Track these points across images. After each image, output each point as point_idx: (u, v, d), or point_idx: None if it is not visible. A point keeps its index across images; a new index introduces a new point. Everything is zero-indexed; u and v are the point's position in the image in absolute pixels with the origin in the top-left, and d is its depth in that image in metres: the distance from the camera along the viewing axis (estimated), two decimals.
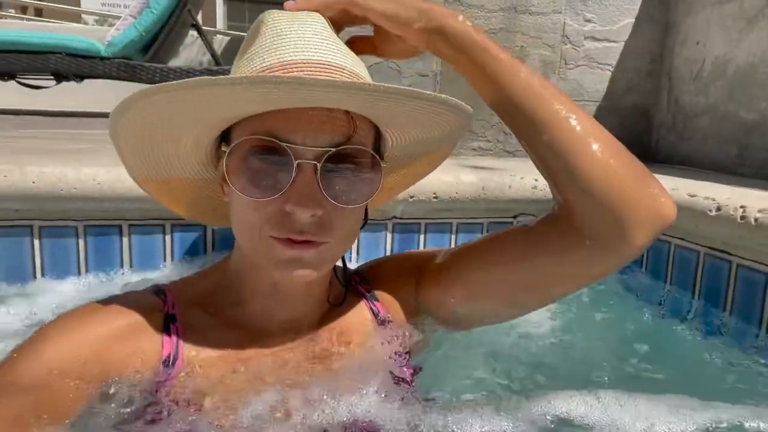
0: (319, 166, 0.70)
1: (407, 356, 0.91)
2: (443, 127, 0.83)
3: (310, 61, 0.72)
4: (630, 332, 1.38)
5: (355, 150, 0.74)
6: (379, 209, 1.43)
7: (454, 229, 1.51)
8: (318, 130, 0.71)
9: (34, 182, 1.20)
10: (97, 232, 1.29)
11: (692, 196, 1.33)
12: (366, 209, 0.86)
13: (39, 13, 9.94)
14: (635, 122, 2.15)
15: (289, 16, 0.77)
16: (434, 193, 1.43)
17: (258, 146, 0.71)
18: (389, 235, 1.47)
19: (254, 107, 0.71)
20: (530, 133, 0.83)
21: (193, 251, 1.36)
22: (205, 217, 0.97)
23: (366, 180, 0.77)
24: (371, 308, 0.93)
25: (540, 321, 1.27)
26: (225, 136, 0.78)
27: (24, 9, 9.55)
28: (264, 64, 0.72)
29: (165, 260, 1.35)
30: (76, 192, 1.22)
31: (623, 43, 2.07)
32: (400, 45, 0.85)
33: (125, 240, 1.31)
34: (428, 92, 0.70)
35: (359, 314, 0.93)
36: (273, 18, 0.77)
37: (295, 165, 0.70)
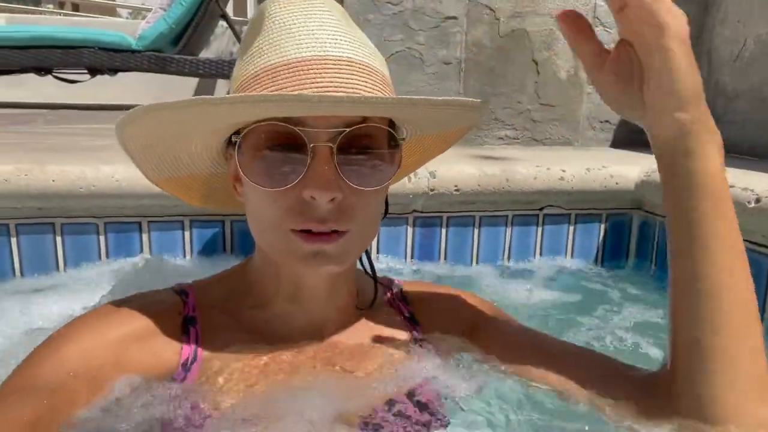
0: (334, 147, 0.67)
1: (437, 382, 0.86)
2: (458, 119, 0.80)
3: (314, 58, 0.68)
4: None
5: (370, 129, 0.70)
6: (399, 203, 1.40)
7: (477, 222, 1.47)
8: (332, 116, 0.68)
9: (54, 181, 1.21)
10: (117, 229, 1.30)
11: (730, 186, 1.25)
12: (387, 200, 0.83)
13: (76, 7, 10.17)
14: None
15: (294, 5, 0.72)
16: (456, 186, 1.39)
17: (270, 134, 0.69)
18: (410, 229, 1.44)
19: (257, 117, 0.69)
20: (691, 292, 0.69)
21: (212, 246, 1.36)
22: (223, 206, 0.94)
23: (384, 161, 0.73)
24: (407, 325, 0.89)
25: None
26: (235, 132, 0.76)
27: (61, 4, 9.79)
28: (268, 63, 0.70)
29: (185, 256, 1.35)
30: (96, 190, 1.22)
31: None
32: (625, 89, 0.66)
33: (145, 236, 1.31)
34: (437, 99, 0.67)
35: (392, 326, 0.88)
36: (275, 9, 0.73)
37: (309, 148, 0.67)
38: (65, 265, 1.29)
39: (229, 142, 0.76)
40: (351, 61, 0.70)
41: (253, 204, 0.74)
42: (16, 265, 1.27)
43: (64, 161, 1.27)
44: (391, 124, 0.76)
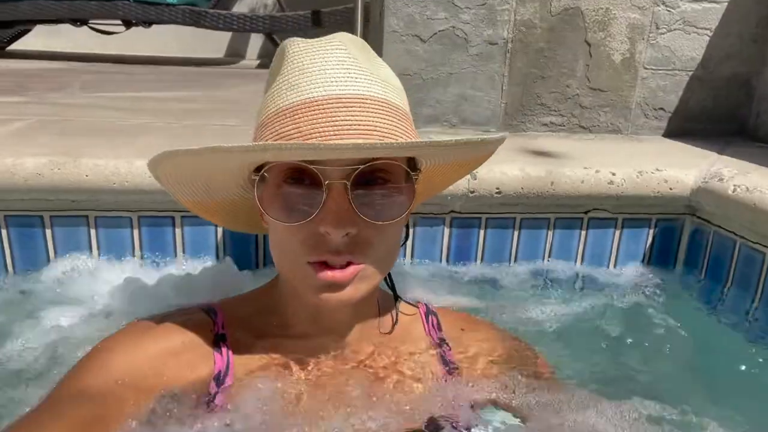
0: (349, 184, 0.69)
1: (470, 408, 0.85)
2: (476, 151, 0.83)
3: (330, 97, 0.70)
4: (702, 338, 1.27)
5: (385, 165, 0.72)
6: (436, 203, 1.34)
7: (517, 224, 1.41)
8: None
9: (87, 176, 1.19)
10: (151, 223, 1.28)
11: None
12: (408, 226, 0.87)
13: None
14: (732, 95, 1.90)
15: (310, 47, 0.75)
16: (497, 188, 1.33)
17: (287, 172, 0.72)
18: (447, 230, 1.39)
19: (269, 160, 0.73)
20: None
21: (243, 243, 1.33)
22: (250, 229, 1.01)
23: (399, 195, 0.75)
24: (436, 350, 0.90)
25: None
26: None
27: None
28: (287, 103, 0.72)
29: (217, 251, 1.33)
30: (129, 186, 1.20)
31: (725, 4, 1.81)
32: None
33: (178, 231, 1.30)
34: (449, 140, 0.69)
35: (419, 352, 0.89)
36: (294, 50, 0.76)
37: (325, 185, 0.69)
38: (99, 254, 1.29)
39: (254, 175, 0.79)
40: (366, 98, 0.72)
41: (274, 235, 0.77)
42: (51, 254, 1.27)
43: (98, 151, 1.24)
44: (407, 162, 0.78)
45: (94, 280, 1.28)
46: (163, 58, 4.81)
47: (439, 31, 1.74)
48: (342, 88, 0.72)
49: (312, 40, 0.77)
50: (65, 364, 1.06)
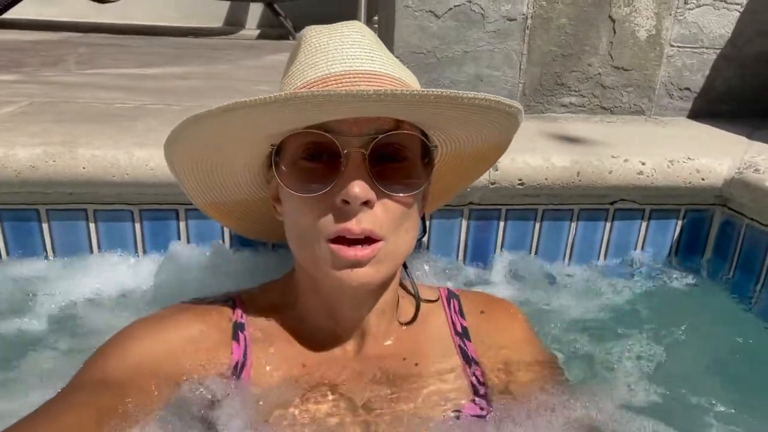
0: (366, 153, 0.69)
1: (485, 392, 0.84)
2: (493, 127, 0.79)
3: (347, 72, 0.71)
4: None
5: (402, 136, 0.72)
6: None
7: (539, 216, 1.33)
8: (364, 121, 0.70)
9: (84, 168, 1.11)
10: (153, 216, 1.21)
11: None
12: (424, 219, 0.86)
13: None
14: (760, 74, 1.81)
15: (328, 30, 0.77)
16: (520, 179, 1.25)
17: (305, 145, 0.72)
18: (465, 223, 1.32)
19: (291, 125, 0.71)
20: None
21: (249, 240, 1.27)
22: (262, 233, 1.01)
23: (416, 168, 0.75)
24: (457, 340, 0.89)
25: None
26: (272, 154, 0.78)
27: None
28: (304, 80, 0.72)
29: (224, 243, 1.26)
30: (129, 178, 1.13)
31: None
32: None
33: (182, 224, 1.23)
34: (469, 94, 0.67)
35: (439, 343, 0.88)
36: (312, 34, 0.77)
37: (343, 155, 0.69)
38: (99, 249, 1.22)
39: (269, 165, 0.79)
40: (383, 75, 0.72)
41: (291, 216, 0.76)
42: (49, 251, 1.20)
43: (95, 141, 1.16)
44: (423, 134, 0.78)
45: (95, 274, 1.22)
46: (160, 27, 4.67)
47: (455, 6, 1.64)
48: (359, 64, 0.72)
49: (328, 25, 0.78)
50: (72, 360, 1.02)
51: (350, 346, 0.84)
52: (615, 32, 1.71)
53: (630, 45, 1.73)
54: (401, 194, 0.72)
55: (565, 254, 1.38)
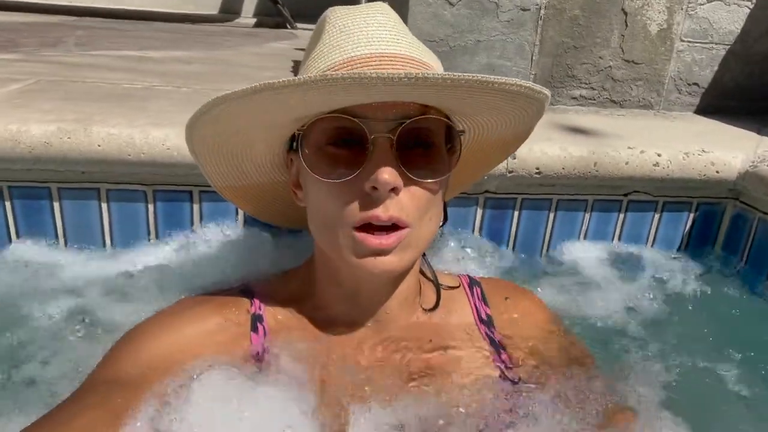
0: (394, 139, 0.68)
1: (515, 378, 0.84)
2: (518, 113, 0.78)
3: (373, 54, 0.70)
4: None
5: (429, 121, 0.71)
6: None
7: (553, 206, 1.33)
8: (391, 106, 0.69)
9: (99, 146, 1.09)
10: (166, 198, 1.19)
11: None
12: (445, 208, 0.85)
13: None
14: None
15: (353, 10, 0.76)
16: (537, 168, 1.25)
17: (331, 130, 0.71)
18: (479, 211, 1.31)
19: (318, 108, 0.69)
20: None
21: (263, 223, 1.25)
22: (279, 220, 1.00)
23: (442, 153, 0.75)
24: (482, 328, 0.88)
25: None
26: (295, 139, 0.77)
27: None
28: (329, 63, 0.71)
29: (237, 224, 1.25)
30: (145, 157, 1.11)
31: None
32: None
33: (196, 206, 1.21)
34: (501, 79, 0.66)
35: (463, 331, 0.87)
36: (336, 15, 0.76)
37: (370, 140, 0.68)
38: (112, 239, 1.20)
39: (290, 149, 0.79)
40: (408, 58, 0.71)
41: (315, 202, 0.74)
42: (59, 229, 1.18)
43: (109, 120, 1.14)
44: (449, 120, 0.77)
45: (107, 256, 1.20)
46: (156, 13, 4.60)
47: None
48: (385, 46, 0.71)
49: (352, 6, 0.77)
50: (79, 348, 1.00)
51: (371, 332, 0.82)
52: (627, 25, 1.71)
53: (641, 38, 1.73)
54: (428, 180, 0.71)
55: (578, 242, 1.38)
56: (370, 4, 0.78)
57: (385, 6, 0.78)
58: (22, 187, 1.13)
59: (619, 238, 1.38)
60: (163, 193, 1.18)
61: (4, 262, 1.16)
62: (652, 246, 1.40)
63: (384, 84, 0.62)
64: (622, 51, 1.74)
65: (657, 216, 1.38)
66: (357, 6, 0.77)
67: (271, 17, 4.83)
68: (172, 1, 5.14)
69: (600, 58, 1.74)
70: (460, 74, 0.64)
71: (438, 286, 0.88)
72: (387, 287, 0.80)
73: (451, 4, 1.63)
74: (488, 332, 0.87)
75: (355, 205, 0.69)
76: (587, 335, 1.17)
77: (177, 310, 0.80)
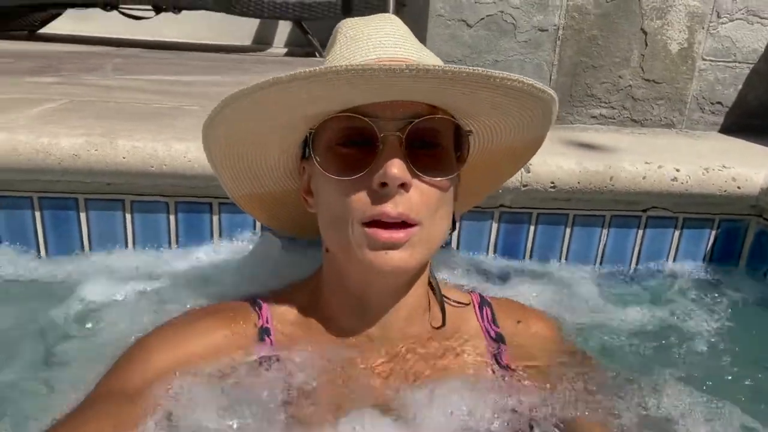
0: (403, 137, 0.70)
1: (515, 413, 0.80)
2: (525, 116, 0.79)
3: (380, 58, 0.72)
4: None
5: (437, 120, 0.73)
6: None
7: (570, 221, 1.33)
8: (399, 106, 0.71)
9: (124, 158, 1.14)
10: (187, 209, 1.23)
11: None
12: (454, 217, 0.85)
13: None
14: None
15: (363, 21, 0.79)
16: (552, 182, 1.25)
17: (341, 130, 0.72)
18: (495, 225, 1.31)
19: (324, 105, 0.71)
20: None
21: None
22: (291, 229, 1.02)
23: (450, 153, 0.76)
24: (491, 347, 0.86)
25: None
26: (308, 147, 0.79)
27: None
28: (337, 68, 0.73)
29: (255, 236, 1.27)
30: (167, 169, 1.15)
31: None
32: None
33: (215, 218, 1.24)
34: (503, 74, 0.67)
35: (472, 349, 0.86)
36: (348, 25, 0.79)
37: (380, 138, 0.70)
38: (134, 243, 1.24)
39: (303, 156, 0.82)
40: (414, 61, 0.73)
41: (325, 202, 0.75)
42: (85, 239, 1.22)
43: (135, 135, 1.19)
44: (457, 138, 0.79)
45: (130, 266, 1.24)
46: (192, 44, 4.78)
47: (487, 15, 1.66)
48: (392, 52, 0.74)
49: (363, 17, 0.80)
50: (98, 359, 1.03)
51: (378, 347, 0.81)
52: (647, 44, 1.71)
53: (661, 58, 1.73)
54: (437, 178, 0.72)
55: (595, 261, 1.36)
56: (380, 15, 0.81)
57: (394, 17, 0.81)
58: (52, 198, 1.18)
59: (639, 255, 1.36)
60: (185, 204, 1.22)
61: (33, 270, 1.21)
62: (672, 264, 1.37)
63: (386, 75, 0.63)
64: (642, 70, 1.73)
65: (677, 233, 1.35)
66: (367, 17, 0.80)
67: (301, 47, 4.97)
68: (208, 34, 5.35)
69: (619, 77, 1.74)
70: (462, 67, 0.65)
71: (443, 303, 0.86)
72: (394, 295, 0.80)
73: (468, 25, 1.66)
74: (497, 355, 0.85)
75: (366, 202, 0.70)
76: (605, 356, 1.15)
77: (184, 322, 0.81)
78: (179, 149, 1.15)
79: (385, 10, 2.61)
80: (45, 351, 1.03)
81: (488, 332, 0.88)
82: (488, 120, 0.81)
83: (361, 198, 0.70)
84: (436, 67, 0.63)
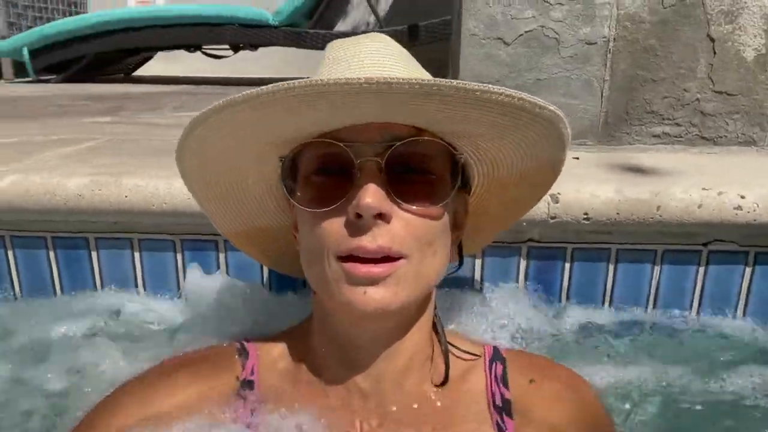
0: (382, 163, 0.64)
1: None
2: (526, 133, 0.69)
3: (361, 78, 0.61)
4: None
5: (425, 144, 0.66)
6: (510, 229, 1.13)
7: (613, 257, 1.15)
8: (379, 129, 0.65)
9: (126, 196, 1.12)
10: (194, 247, 1.19)
11: None
12: (460, 246, 0.80)
13: None
14: None
15: (350, 41, 0.74)
16: (585, 213, 1.09)
17: (317, 158, 0.67)
18: (523, 262, 1.17)
19: (287, 130, 0.66)
20: None
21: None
22: (288, 269, 0.95)
23: (444, 180, 0.68)
24: (495, 416, 0.74)
25: None
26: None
27: None
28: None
29: (262, 274, 1.22)
30: (167, 207, 1.12)
31: None
32: None
33: (221, 255, 1.20)
34: (482, 86, 0.60)
35: (474, 411, 0.74)
36: (334, 47, 0.74)
37: (357, 165, 0.63)
38: (144, 284, 1.22)
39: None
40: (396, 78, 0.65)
41: (303, 237, 0.71)
42: (97, 277, 1.22)
43: (144, 171, 1.18)
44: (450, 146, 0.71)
45: (141, 306, 1.22)
46: (269, 80, 4.96)
47: (526, 32, 1.52)
48: (374, 71, 0.66)
49: (351, 37, 0.76)
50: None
51: (369, 405, 0.73)
52: (715, 53, 1.50)
53: (734, 67, 1.50)
54: (423, 207, 0.65)
55: (647, 304, 1.17)
56: (369, 34, 0.75)
57: (384, 36, 0.75)
58: (63, 237, 1.19)
59: (701, 299, 1.16)
60: (191, 242, 1.19)
61: (51, 308, 1.23)
62: (744, 309, 1.15)
63: (342, 91, 0.57)
64: (712, 81, 1.52)
65: (749, 270, 1.14)
66: (355, 37, 0.75)
67: None
68: (286, 68, 5.54)
69: (685, 90, 1.53)
70: (436, 80, 0.57)
71: (447, 353, 0.77)
72: (386, 341, 0.71)
73: (506, 43, 1.54)
74: (500, 422, 0.74)
75: (342, 234, 0.64)
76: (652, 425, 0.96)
77: (152, 378, 0.76)
78: (179, 187, 1.12)
79: (449, 36, 2.52)
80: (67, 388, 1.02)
81: (493, 397, 0.76)
82: (485, 143, 0.71)
83: (337, 230, 0.64)
84: (402, 80, 0.56)
